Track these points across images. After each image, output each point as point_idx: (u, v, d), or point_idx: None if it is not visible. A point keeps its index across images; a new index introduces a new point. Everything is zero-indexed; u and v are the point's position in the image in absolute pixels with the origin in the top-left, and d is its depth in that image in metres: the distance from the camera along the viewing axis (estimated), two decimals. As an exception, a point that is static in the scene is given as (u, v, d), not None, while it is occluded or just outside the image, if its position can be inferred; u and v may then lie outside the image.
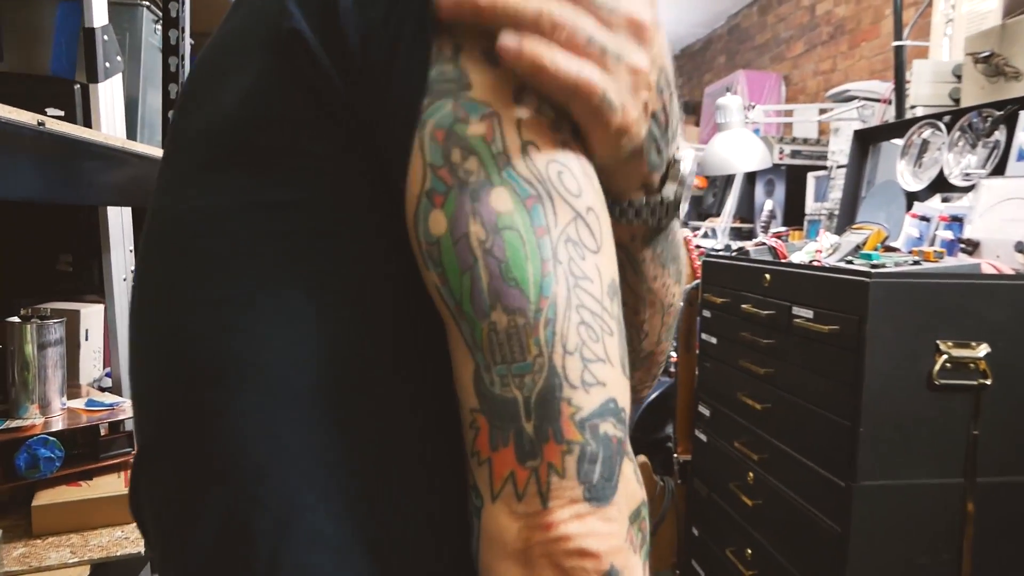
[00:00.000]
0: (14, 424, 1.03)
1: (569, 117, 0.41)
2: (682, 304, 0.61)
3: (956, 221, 1.59)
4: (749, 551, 1.68)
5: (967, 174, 1.70)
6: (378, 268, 0.43)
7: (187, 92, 0.51)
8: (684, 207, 0.52)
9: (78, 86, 1.28)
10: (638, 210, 0.50)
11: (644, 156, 0.47)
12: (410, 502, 0.43)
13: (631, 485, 0.39)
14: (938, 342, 1.28)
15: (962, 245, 1.50)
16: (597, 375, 0.38)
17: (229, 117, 0.44)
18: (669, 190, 0.51)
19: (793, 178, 3.09)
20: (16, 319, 1.11)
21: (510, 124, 0.39)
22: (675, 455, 2.17)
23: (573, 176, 0.40)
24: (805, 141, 3.14)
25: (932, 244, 1.63)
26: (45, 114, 1.24)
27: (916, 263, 1.36)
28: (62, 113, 1.27)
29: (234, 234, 0.43)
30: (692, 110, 5.10)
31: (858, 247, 1.54)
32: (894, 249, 1.57)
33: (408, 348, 0.44)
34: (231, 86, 0.45)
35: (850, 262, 1.49)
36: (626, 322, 0.59)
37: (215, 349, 0.43)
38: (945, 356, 1.27)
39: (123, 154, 1.00)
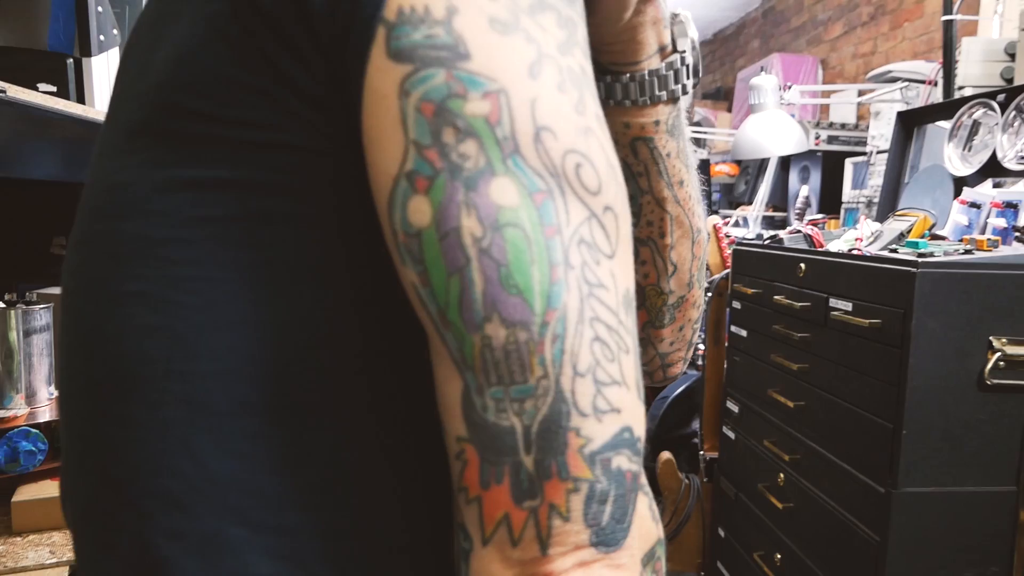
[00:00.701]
0: (-7, 416, 0.98)
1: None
2: (707, 294, 0.58)
3: (1010, 208, 1.48)
4: (778, 556, 1.59)
5: (1023, 157, 1.58)
6: (334, 262, 0.36)
7: (128, 44, 0.44)
8: (700, 71, 0.51)
9: (71, 60, 1.22)
10: (661, 77, 0.48)
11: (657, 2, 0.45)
12: (372, 538, 0.37)
13: (646, 524, 0.33)
14: (991, 338, 1.18)
15: (1017, 233, 1.39)
16: (612, 401, 0.32)
17: (160, 74, 0.38)
18: (683, 45, 0.49)
19: (830, 165, 2.97)
20: (0, 304, 1.06)
21: (522, 104, 0.32)
22: (701, 452, 2.09)
23: (594, 169, 0.33)
24: (843, 126, 3.01)
25: (983, 232, 1.52)
26: (37, 89, 1.19)
27: (968, 252, 1.25)
28: (54, 88, 1.22)
29: (156, 217, 0.36)
30: (724, 96, 4.96)
31: (902, 235, 1.44)
32: (942, 238, 1.46)
33: (372, 359, 0.37)
34: (166, 37, 0.38)
35: (894, 251, 1.39)
36: (653, 250, 0.56)
37: (132, 352, 0.36)
38: (999, 354, 1.17)
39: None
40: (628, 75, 0.48)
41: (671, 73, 0.49)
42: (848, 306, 1.35)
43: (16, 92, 0.70)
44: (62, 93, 1.23)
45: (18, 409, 1.03)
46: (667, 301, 0.56)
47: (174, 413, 0.36)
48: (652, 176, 0.51)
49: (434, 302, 0.32)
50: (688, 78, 0.49)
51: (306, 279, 0.36)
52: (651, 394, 2.50)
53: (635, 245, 0.53)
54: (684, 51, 0.49)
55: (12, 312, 1.04)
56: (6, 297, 1.07)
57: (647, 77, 0.48)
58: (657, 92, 0.48)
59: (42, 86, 1.22)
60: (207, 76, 0.36)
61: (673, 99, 0.50)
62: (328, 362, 0.36)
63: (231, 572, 0.35)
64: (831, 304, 1.41)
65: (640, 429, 0.34)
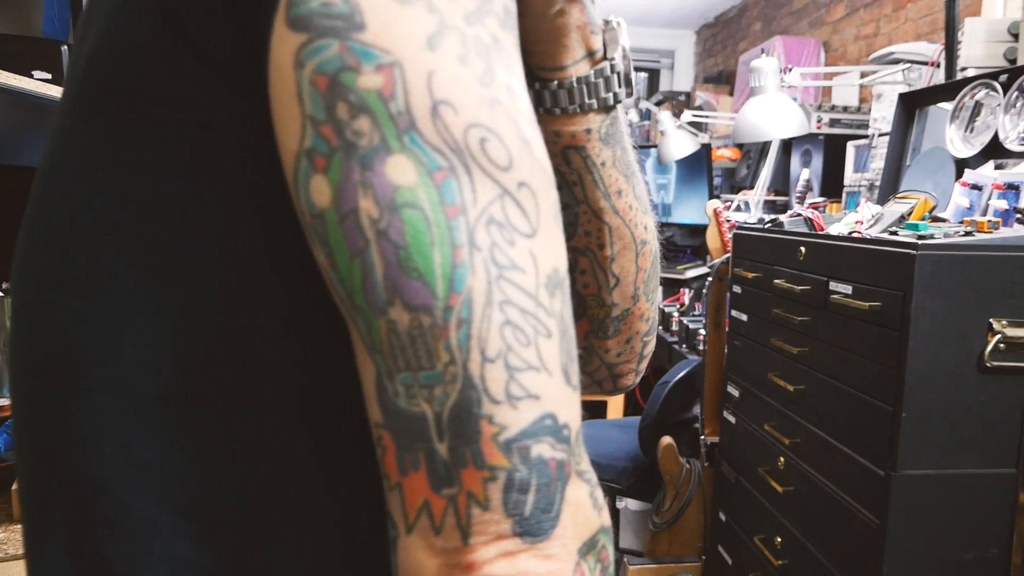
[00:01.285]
0: (-5, 403, 0.99)
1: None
2: (654, 254, 0.56)
3: (1012, 189, 1.47)
4: (779, 539, 1.60)
5: (1024, 138, 1.57)
6: (254, 247, 0.35)
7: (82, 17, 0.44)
8: (634, 83, 0.49)
9: (65, 47, 1.22)
10: (590, 85, 0.46)
11: (582, 1, 0.44)
12: (304, 528, 0.37)
13: (582, 512, 0.32)
14: (991, 320, 1.18)
15: (1018, 215, 1.38)
16: (528, 387, 0.31)
17: (89, 49, 0.37)
18: (614, 52, 0.48)
19: (831, 148, 2.95)
20: (-2, 292, 1.06)
21: (418, 77, 0.30)
22: (702, 436, 2.09)
23: (501, 144, 0.32)
24: (845, 109, 2.99)
25: (984, 214, 1.51)
26: (32, 76, 1.18)
27: (968, 234, 1.25)
28: (49, 76, 1.21)
29: (81, 200, 0.36)
30: (725, 79, 4.93)
31: (903, 217, 1.43)
32: (942, 220, 1.45)
33: (302, 346, 0.36)
34: (99, 10, 0.38)
35: (894, 233, 1.38)
36: (592, 261, 0.54)
37: (64, 339, 0.36)
38: (999, 336, 1.17)
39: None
40: (556, 82, 0.47)
41: (601, 80, 0.47)
42: (848, 289, 1.34)
43: (7, 78, 0.70)
44: (57, 80, 1.22)
45: (18, 397, 1.04)
46: (610, 313, 0.55)
47: (102, 399, 0.35)
48: (587, 185, 0.50)
49: (342, 285, 0.32)
50: (620, 86, 0.48)
51: (226, 264, 0.35)
52: (652, 379, 2.50)
53: (573, 255, 0.52)
54: (614, 58, 0.48)
55: (9, 301, 1.04)
56: (4, 285, 1.07)
57: (575, 84, 0.47)
58: (587, 100, 0.47)
59: (37, 73, 1.21)
60: (129, 51, 0.35)
61: (605, 107, 0.49)
62: (254, 349, 0.36)
63: (161, 558, 0.35)
64: (831, 287, 1.40)
65: (568, 415, 0.32)
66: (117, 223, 0.35)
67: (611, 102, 0.48)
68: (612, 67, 0.47)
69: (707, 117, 3.37)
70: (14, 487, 0.98)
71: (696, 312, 2.84)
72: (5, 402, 1.00)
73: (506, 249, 0.31)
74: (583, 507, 0.32)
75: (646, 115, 4.62)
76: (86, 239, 0.36)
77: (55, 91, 0.94)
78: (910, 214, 1.44)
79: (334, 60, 0.30)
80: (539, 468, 0.31)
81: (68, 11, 1.34)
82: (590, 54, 0.47)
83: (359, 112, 0.30)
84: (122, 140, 0.35)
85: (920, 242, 1.18)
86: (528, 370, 0.31)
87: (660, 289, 0.60)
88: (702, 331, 2.27)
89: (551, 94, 0.47)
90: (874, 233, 1.42)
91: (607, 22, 0.49)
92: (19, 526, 0.94)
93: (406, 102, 0.30)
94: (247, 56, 0.33)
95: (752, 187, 3.15)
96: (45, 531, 0.37)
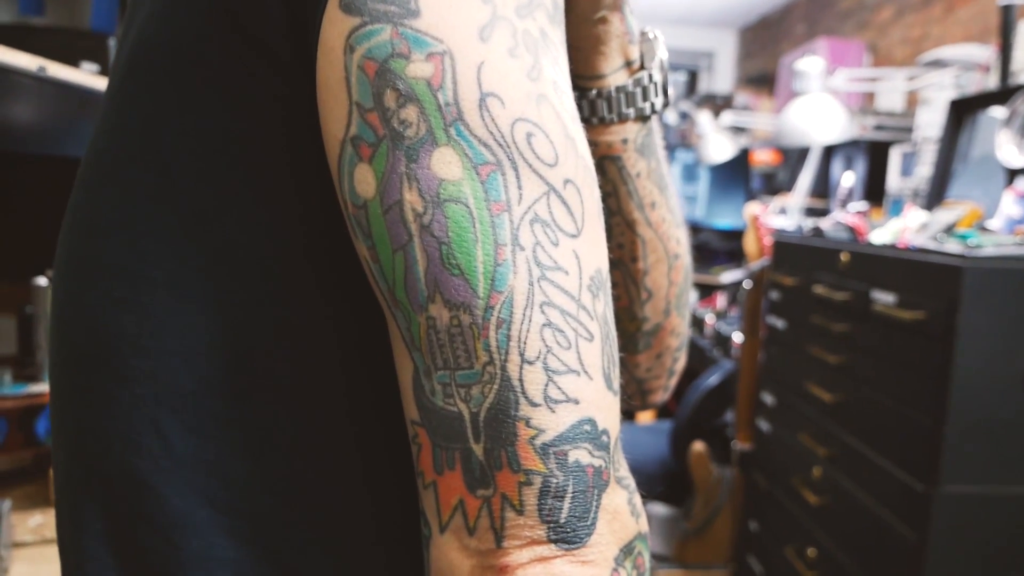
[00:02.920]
0: (36, 389, 1.00)
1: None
2: (685, 266, 0.55)
3: (1067, 200, 1.42)
4: (811, 551, 1.57)
5: (1081, 147, 1.51)
6: (300, 237, 0.35)
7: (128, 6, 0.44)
8: (671, 92, 0.49)
9: (112, 40, 1.24)
10: (628, 94, 0.46)
11: (624, 11, 0.44)
12: (341, 526, 0.36)
13: (620, 519, 0.31)
14: (1042, 336, 1.14)
15: (1073, 227, 1.33)
16: (567, 390, 0.30)
17: (138, 33, 0.37)
18: (651, 64, 0.48)
19: (874, 153, 2.89)
20: (42, 280, 1.07)
21: (468, 68, 0.30)
22: (734, 443, 2.06)
23: (548, 140, 0.31)
24: (889, 114, 2.92)
25: (1036, 225, 1.46)
26: (79, 67, 1.20)
27: (1020, 245, 1.20)
28: (97, 67, 1.23)
29: (131, 186, 0.36)
30: (766, 82, 4.85)
31: (950, 226, 1.39)
32: (991, 231, 1.40)
33: (343, 343, 0.36)
34: None
35: (941, 243, 1.34)
36: (625, 274, 0.53)
37: (105, 326, 0.36)
38: (1050, 352, 1.13)
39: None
40: (595, 91, 0.47)
41: (639, 90, 0.47)
42: (891, 298, 1.31)
43: (56, 70, 0.71)
44: (104, 71, 1.24)
45: (58, 383, 1.06)
46: (641, 327, 0.54)
47: (142, 390, 0.35)
48: (621, 197, 0.50)
49: (384, 279, 0.31)
50: (656, 96, 0.48)
51: (272, 256, 0.35)
52: (686, 382, 2.47)
53: None
54: (652, 69, 0.48)
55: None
56: (48, 274, 1.09)
57: (613, 93, 0.47)
58: (624, 109, 0.47)
59: (85, 64, 1.23)
60: (177, 37, 0.35)
61: (642, 117, 0.48)
62: (296, 345, 0.35)
63: (197, 554, 0.35)
64: (873, 296, 1.37)
65: (607, 421, 0.31)
66: (163, 212, 0.35)
67: (648, 112, 0.48)
68: (650, 77, 0.47)
69: (748, 120, 3.32)
70: (51, 471, 1.00)
71: (730, 316, 2.80)
72: (44, 388, 1.02)
73: (550, 249, 0.30)
74: (621, 514, 0.31)
75: (683, 117, 4.56)
76: (130, 227, 0.36)
77: (102, 83, 0.96)
78: (958, 222, 1.40)
79: (385, 46, 0.30)
80: (576, 474, 0.30)
81: (117, 5, 1.36)
82: (628, 64, 0.48)
83: (407, 101, 0.29)
84: (168, 127, 0.35)
85: (969, 254, 1.15)
86: (568, 373, 0.30)
87: (691, 304, 0.59)
88: (735, 336, 2.24)
89: (589, 103, 0.47)
90: (920, 241, 1.38)
91: (643, 33, 0.49)
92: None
93: (455, 93, 0.30)
94: (299, 44, 0.33)
95: (791, 191, 3.10)
96: (83, 522, 0.37)
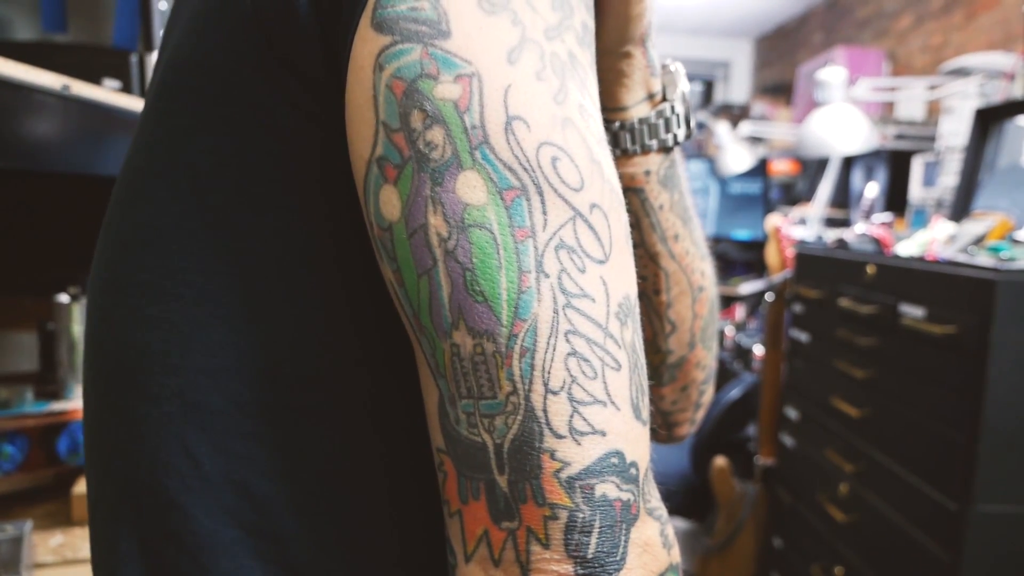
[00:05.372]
0: (58, 407, 1.00)
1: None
2: (712, 292, 0.55)
3: (1100, 210, 1.39)
4: (839, 570, 1.53)
5: (1113, 156, 1.48)
6: (329, 257, 0.34)
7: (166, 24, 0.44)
8: (693, 123, 0.49)
9: (135, 57, 1.24)
10: (651, 126, 0.47)
11: (647, 44, 0.45)
12: (365, 549, 0.36)
13: (651, 551, 0.30)
14: (1079, 350, 1.11)
15: (1107, 238, 1.30)
16: (593, 421, 0.29)
17: (171, 54, 0.37)
18: (673, 96, 0.48)
19: (895, 163, 2.85)
20: (65, 297, 1.07)
21: (495, 91, 0.29)
22: (756, 458, 2.03)
23: (573, 165, 0.30)
24: (910, 123, 2.89)
25: (1068, 236, 1.43)
26: (101, 84, 1.20)
27: (1054, 258, 1.18)
28: (119, 84, 1.24)
29: (158, 204, 0.35)
30: (783, 91, 4.82)
31: (980, 237, 1.36)
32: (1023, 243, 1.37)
33: (370, 363, 0.35)
34: (181, 16, 0.37)
35: (971, 255, 1.31)
36: (648, 306, 0.53)
37: (134, 343, 0.35)
38: (1088, 367, 1.10)
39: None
40: (617, 123, 0.47)
41: (661, 122, 0.47)
42: (920, 312, 1.28)
43: (80, 88, 0.70)
44: (127, 88, 1.25)
45: (80, 401, 1.05)
46: (665, 360, 0.53)
47: (170, 408, 0.35)
48: (644, 229, 0.49)
49: (409, 303, 0.30)
50: (679, 127, 0.48)
51: (300, 275, 0.34)
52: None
53: None
54: (674, 101, 0.48)
55: (75, 306, 1.06)
56: (70, 291, 1.09)
57: (636, 125, 0.47)
58: (647, 141, 0.47)
59: (107, 81, 1.24)
60: (209, 55, 0.34)
61: (664, 149, 0.49)
62: (324, 364, 0.35)
63: (225, 575, 0.34)
64: (900, 310, 1.34)
65: (635, 453, 0.30)
66: (192, 229, 0.35)
67: (670, 144, 0.48)
68: (672, 108, 0.48)
69: (767, 130, 3.30)
70: (74, 490, 0.99)
71: (749, 328, 2.77)
72: (66, 406, 1.02)
73: (576, 276, 0.30)
74: (652, 546, 0.30)
75: (699, 127, 4.55)
76: (161, 244, 0.35)
77: (125, 100, 0.96)
78: (988, 234, 1.37)
79: (414, 66, 0.29)
80: (603, 509, 0.29)
81: (138, 22, 1.36)
82: (650, 96, 0.48)
83: (433, 122, 0.29)
84: (199, 145, 0.35)
85: (1002, 266, 1.12)
86: (594, 404, 0.29)
87: (717, 337, 0.58)
88: (756, 348, 2.21)
89: (611, 135, 0.47)
90: (949, 254, 1.35)
91: (665, 66, 0.49)
92: (77, 529, 0.95)
93: (481, 116, 0.29)
94: (331, 62, 0.32)
95: (810, 201, 3.07)
96: (115, 541, 0.36)
